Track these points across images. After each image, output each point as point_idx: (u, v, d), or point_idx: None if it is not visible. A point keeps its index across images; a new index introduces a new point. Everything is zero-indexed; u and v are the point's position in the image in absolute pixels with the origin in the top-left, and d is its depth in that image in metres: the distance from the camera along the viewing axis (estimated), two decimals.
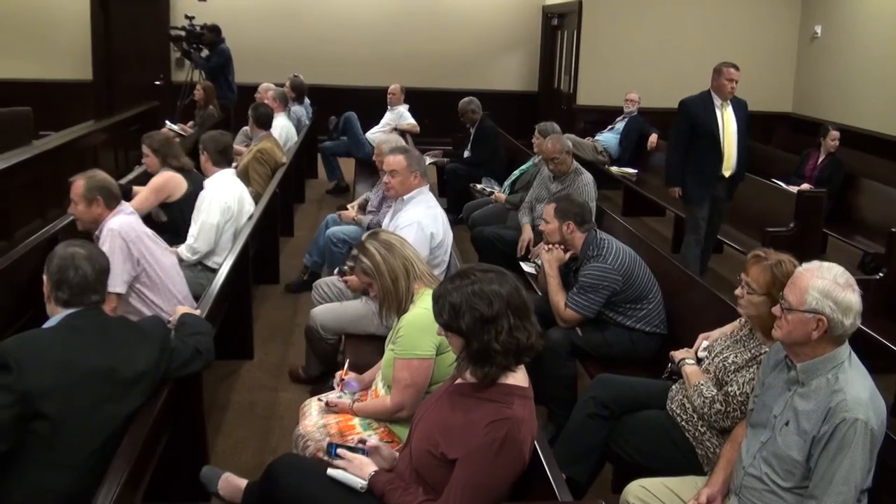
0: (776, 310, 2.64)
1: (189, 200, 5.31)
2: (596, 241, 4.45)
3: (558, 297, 4.41)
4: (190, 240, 5.02)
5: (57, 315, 2.76)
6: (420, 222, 4.45)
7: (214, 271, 4.86)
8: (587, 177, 6.21)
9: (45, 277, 2.82)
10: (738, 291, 3.19)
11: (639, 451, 3.36)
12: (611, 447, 3.45)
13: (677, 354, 3.54)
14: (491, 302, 2.44)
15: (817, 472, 2.49)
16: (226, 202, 5.13)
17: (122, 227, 4.12)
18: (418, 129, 10.03)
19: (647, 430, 3.39)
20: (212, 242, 5.04)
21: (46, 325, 2.77)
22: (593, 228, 4.54)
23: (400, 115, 10.06)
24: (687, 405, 3.32)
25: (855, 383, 2.53)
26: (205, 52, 10.93)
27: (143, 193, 5.42)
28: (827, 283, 2.51)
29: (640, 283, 4.35)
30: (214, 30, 11.03)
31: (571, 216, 4.48)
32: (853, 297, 2.52)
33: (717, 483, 2.90)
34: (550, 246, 4.60)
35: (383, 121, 10.14)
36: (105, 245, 4.02)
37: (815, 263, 2.62)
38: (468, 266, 2.66)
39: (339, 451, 2.78)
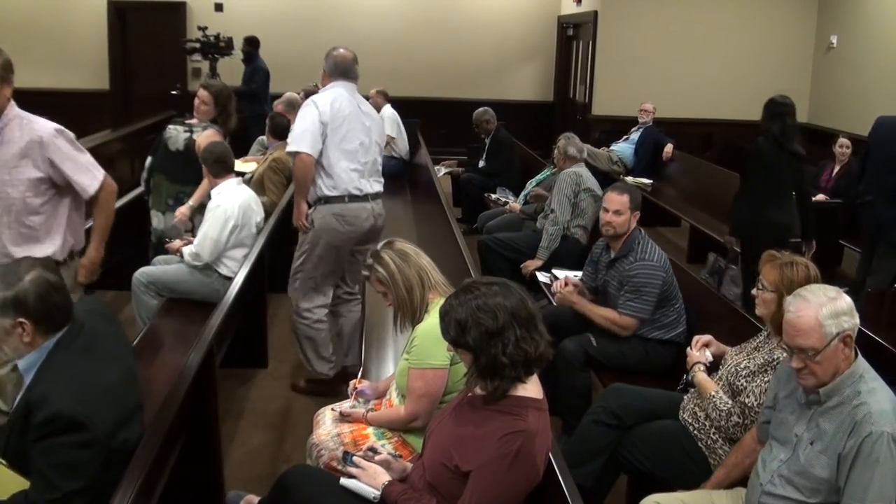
0: (797, 363, 2.55)
1: None
2: (641, 236, 4.41)
3: (606, 313, 4.33)
4: (195, 247, 4.98)
5: (40, 348, 2.58)
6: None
7: (229, 279, 4.88)
8: (570, 172, 6.25)
9: (18, 321, 2.53)
10: (754, 292, 3.23)
11: (651, 460, 3.35)
12: (623, 456, 3.44)
13: (692, 356, 3.53)
14: (496, 315, 2.44)
15: (849, 491, 2.45)
16: (227, 216, 4.99)
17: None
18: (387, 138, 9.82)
19: (658, 440, 3.38)
20: (213, 254, 4.96)
21: (36, 359, 2.58)
22: None
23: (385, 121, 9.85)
24: (699, 414, 3.31)
25: (878, 395, 2.51)
26: (221, 60, 10.97)
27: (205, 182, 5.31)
28: (828, 306, 2.51)
29: (673, 284, 4.33)
30: (252, 42, 11.06)
31: (638, 206, 4.45)
32: (846, 298, 2.55)
33: (715, 481, 3.01)
34: (560, 290, 4.59)
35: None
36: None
37: (800, 302, 2.56)
38: (473, 280, 2.66)
39: (355, 458, 2.78)
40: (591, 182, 6.24)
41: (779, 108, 5.68)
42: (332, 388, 4.82)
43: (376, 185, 4.78)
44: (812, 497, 2.57)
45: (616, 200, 4.42)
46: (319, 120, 4.49)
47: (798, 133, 5.76)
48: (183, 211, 5.25)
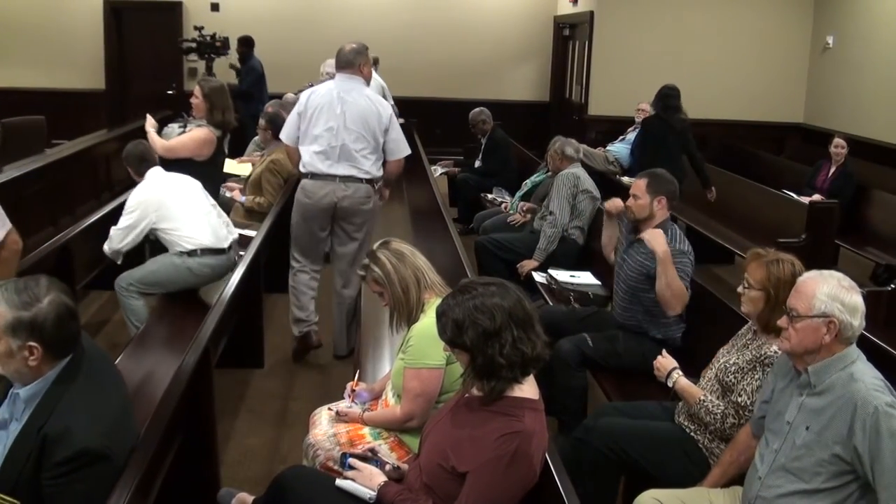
0: (782, 322, 2.65)
1: (208, 166, 5.58)
2: (672, 227, 4.35)
3: (677, 280, 4.10)
4: (112, 231, 4.98)
5: (44, 377, 2.43)
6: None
7: (194, 253, 4.96)
8: (568, 174, 6.23)
9: (29, 344, 2.37)
10: (738, 289, 3.23)
11: (647, 459, 3.33)
12: (619, 455, 3.42)
13: (662, 364, 3.52)
14: (493, 315, 2.44)
15: (884, 477, 2.40)
16: (139, 208, 4.95)
17: None
18: None
19: (657, 441, 3.37)
20: (121, 240, 4.93)
21: (40, 388, 2.43)
22: None
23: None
24: (694, 416, 3.31)
25: (866, 372, 2.55)
26: (217, 60, 10.94)
27: (182, 139, 5.65)
28: (833, 287, 2.57)
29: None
30: (247, 42, 11.04)
31: (664, 192, 4.33)
32: (858, 299, 2.57)
33: (711, 480, 3.01)
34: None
35: None
36: None
37: (816, 272, 2.68)
38: (470, 280, 2.66)
39: (351, 460, 2.78)
40: (589, 183, 6.23)
41: (670, 100, 7.59)
42: (299, 348, 5.49)
43: (347, 169, 5.13)
44: (812, 481, 2.55)
45: (634, 185, 4.42)
46: (297, 112, 5.19)
47: (681, 111, 7.65)
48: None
